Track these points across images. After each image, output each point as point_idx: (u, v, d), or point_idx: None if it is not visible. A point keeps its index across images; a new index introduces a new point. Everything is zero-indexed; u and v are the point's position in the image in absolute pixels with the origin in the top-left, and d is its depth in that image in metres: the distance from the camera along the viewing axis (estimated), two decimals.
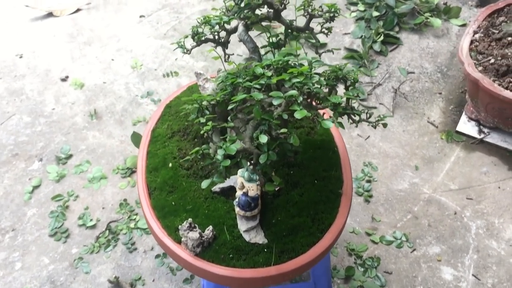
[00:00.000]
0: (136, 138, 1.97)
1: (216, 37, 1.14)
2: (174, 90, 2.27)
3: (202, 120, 0.96)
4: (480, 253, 1.72)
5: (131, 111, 2.19)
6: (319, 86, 0.91)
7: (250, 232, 1.17)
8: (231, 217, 1.20)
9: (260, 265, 1.13)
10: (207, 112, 0.99)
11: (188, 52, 1.16)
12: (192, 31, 1.14)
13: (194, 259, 1.14)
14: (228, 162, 0.89)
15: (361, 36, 2.58)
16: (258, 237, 1.17)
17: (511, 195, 1.91)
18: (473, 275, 1.67)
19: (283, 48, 1.12)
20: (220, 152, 0.89)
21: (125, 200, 1.84)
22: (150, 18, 2.69)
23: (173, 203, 1.24)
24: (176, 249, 1.15)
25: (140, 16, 2.69)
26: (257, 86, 0.94)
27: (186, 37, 1.16)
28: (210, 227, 1.17)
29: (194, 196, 1.25)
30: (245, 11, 1.04)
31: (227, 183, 1.26)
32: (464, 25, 2.64)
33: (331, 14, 1.07)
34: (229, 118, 1.01)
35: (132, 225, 1.77)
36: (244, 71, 1.00)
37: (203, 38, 1.13)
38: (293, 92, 0.88)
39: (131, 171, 1.94)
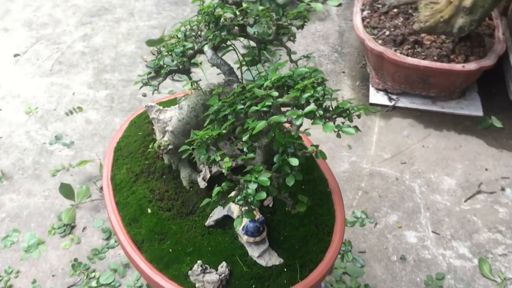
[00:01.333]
0: (66, 190, 1.78)
1: (181, 66, 1.06)
2: (84, 127, 2.08)
3: (217, 158, 0.88)
4: (430, 210, 1.86)
5: (44, 162, 1.96)
6: (329, 96, 0.90)
7: (263, 256, 1.12)
8: (238, 247, 1.14)
9: (287, 286, 1.09)
10: (213, 148, 0.92)
11: (157, 89, 1.06)
12: (153, 65, 1.04)
13: None
14: (264, 195, 0.83)
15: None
16: (273, 259, 1.12)
17: (434, 150, 2.09)
18: (432, 231, 1.80)
19: (259, 65, 1.08)
20: (252, 186, 0.83)
21: (75, 259, 1.65)
22: (26, 56, 2.42)
23: (170, 250, 1.14)
24: None
25: (15, 55, 2.41)
26: (265, 109, 0.89)
27: (150, 73, 1.06)
28: (224, 263, 1.10)
29: (189, 237, 1.16)
30: (220, 34, 0.98)
31: (220, 213, 1.19)
32: (340, 5, 2.80)
33: (302, 22, 1.05)
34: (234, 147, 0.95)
35: (94, 283, 1.59)
36: (239, 95, 0.94)
37: (168, 70, 1.04)
38: (312, 107, 0.85)
39: (71, 227, 1.74)
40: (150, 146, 1.21)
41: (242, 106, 0.92)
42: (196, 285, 1.08)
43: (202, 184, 1.22)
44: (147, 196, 1.24)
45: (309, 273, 1.12)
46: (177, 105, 1.30)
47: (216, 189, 0.89)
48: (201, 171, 1.26)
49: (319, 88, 0.90)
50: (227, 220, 1.18)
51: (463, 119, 2.23)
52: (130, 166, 1.30)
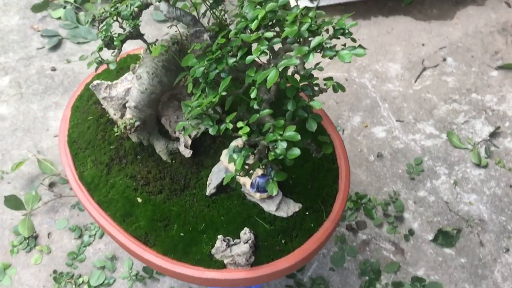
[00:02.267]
0: (12, 201, 1.55)
1: (133, 31, 0.88)
2: None
3: (229, 126, 0.75)
4: (387, 100, 1.86)
5: None
6: (324, 21, 0.78)
7: (281, 207, 1.04)
8: (250, 207, 1.05)
9: (315, 228, 1.03)
10: (217, 115, 0.78)
11: (116, 65, 0.88)
12: (103, 37, 0.85)
13: (254, 271, 0.98)
14: (297, 151, 0.73)
15: None
16: (291, 206, 1.05)
17: (369, 40, 2.05)
18: (396, 120, 1.80)
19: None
20: (282, 145, 0.72)
21: (54, 271, 1.48)
22: None
23: (181, 234, 1.02)
24: (234, 275, 0.98)
25: None
26: (263, 55, 0.76)
27: (101, 48, 0.86)
28: (246, 229, 1.01)
29: (195, 213, 1.05)
30: None
31: (218, 178, 1.07)
32: None
33: None
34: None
35: None
36: (223, 47, 0.80)
37: (123, 38, 0.86)
38: (320, 38, 0.74)
39: (34, 238, 1.55)
40: (115, 129, 1.04)
41: (234, 59, 0.78)
42: (225, 262, 0.99)
43: (187, 153, 1.09)
44: (130, 185, 1.09)
45: (331, 207, 1.06)
46: (131, 75, 1.12)
47: (239, 160, 0.77)
48: (179, 139, 1.13)
49: (310, 14, 0.78)
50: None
51: (386, 1, 2.19)
52: (95, 158, 1.13)
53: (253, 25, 0.76)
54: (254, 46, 0.78)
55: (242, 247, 0.97)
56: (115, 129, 1.06)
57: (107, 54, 0.92)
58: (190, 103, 0.79)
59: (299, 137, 0.73)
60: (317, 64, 0.79)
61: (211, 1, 0.86)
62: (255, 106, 0.77)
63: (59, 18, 2.13)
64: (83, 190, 1.10)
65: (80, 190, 1.10)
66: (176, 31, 1.01)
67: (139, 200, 1.07)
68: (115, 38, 0.86)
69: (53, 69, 1.95)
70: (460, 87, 1.89)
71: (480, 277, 1.46)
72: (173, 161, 1.12)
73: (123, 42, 0.86)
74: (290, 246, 1.01)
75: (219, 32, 0.89)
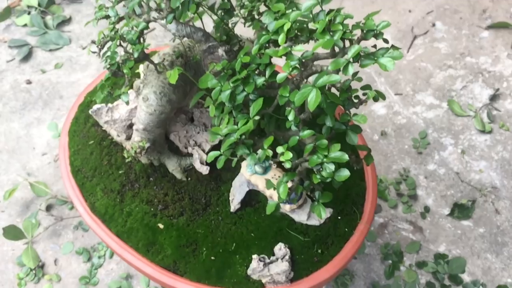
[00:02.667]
0: (11, 232, 1.47)
1: (141, 54, 0.79)
2: None
3: (268, 153, 0.69)
4: (382, 74, 1.81)
5: None
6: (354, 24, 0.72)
7: (312, 215, 0.99)
8: (280, 219, 1.00)
9: (350, 233, 0.99)
10: (251, 141, 0.72)
11: (128, 98, 0.79)
12: (108, 65, 0.76)
13: (298, 284, 0.94)
14: (347, 172, 0.68)
15: None
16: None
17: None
18: (395, 94, 1.76)
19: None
20: (330, 167, 0.67)
21: None
22: None
23: (212, 257, 0.97)
24: None
25: None
26: (295, 71, 0.69)
27: (108, 79, 0.78)
28: (281, 245, 0.96)
29: (223, 232, 0.99)
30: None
31: (242, 192, 1.01)
32: None
33: None
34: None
35: None
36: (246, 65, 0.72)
37: (132, 66, 0.77)
38: (358, 47, 0.67)
39: (40, 267, 1.47)
40: (125, 154, 0.97)
41: (264, 78, 0.71)
42: (264, 281, 0.94)
43: (205, 170, 1.03)
44: (147, 211, 1.02)
45: (362, 207, 1.02)
46: (133, 94, 1.04)
47: (283, 189, 0.71)
48: (191, 154, 1.06)
49: (339, 19, 0.72)
50: (251, 195, 1.02)
51: None
52: (104, 186, 1.05)
53: (281, 40, 0.69)
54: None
55: (280, 265, 0.93)
56: (125, 154, 0.98)
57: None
58: (219, 131, 0.72)
59: (346, 157, 0.67)
60: (355, 74, 0.73)
61: (222, 12, 0.78)
62: (293, 128, 0.71)
63: (25, 25, 1.99)
64: (98, 223, 1.02)
65: (95, 223, 1.03)
66: (178, 43, 0.93)
67: (161, 226, 1.00)
68: (123, 66, 0.77)
69: (28, 82, 1.83)
70: (453, 52, 1.85)
71: (500, 245, 1.46)
72: (189, 179, 1.05)
73: (132, 69, 0.78)
74: (328, 254, 0.97)
75: (230, 44, 0.82)
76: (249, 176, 1.00)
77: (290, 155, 0.68)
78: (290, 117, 0.69)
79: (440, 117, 1.69)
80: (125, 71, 0.76)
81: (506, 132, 1.66)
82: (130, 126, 1.05)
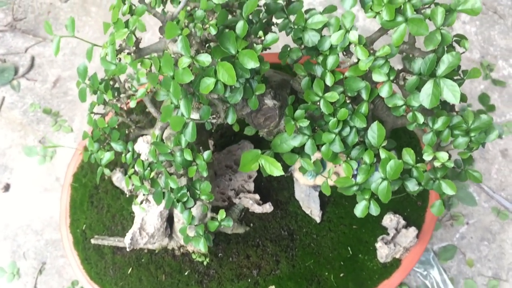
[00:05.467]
0: None
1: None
2: None
3: None
4: None
5: None
6: None
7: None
8: None
9: None
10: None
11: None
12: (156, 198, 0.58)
13: (424, 233, 0.92)
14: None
15: None
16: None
17: None
18: None
19: None
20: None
21: None
22: None
23: (341, 275, 0.90)
24: None
25: None
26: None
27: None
28: (386, 217, 0.90)
29: (330, 247, 0.91)
30: None
31: (315, 198, 0.92)
32: None
33: None
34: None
35: None
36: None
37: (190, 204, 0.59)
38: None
39: None
40: (199, 259, 0.82)
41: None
42: (398, 257, 0.90)
43: (268, 208, 0.91)
44: (247, 286, 0.89)
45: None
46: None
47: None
48: (233, 203, 0.92)
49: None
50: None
51: None
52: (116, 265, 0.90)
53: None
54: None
55: (407, 233, 0.89)
56: (199, 259, 0.82)
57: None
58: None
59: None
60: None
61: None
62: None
63: None
64: None
65: None
66: None
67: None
68: (178, 204, 0.60)
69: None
70: None
71: None
72: (252, 225, 0.93)
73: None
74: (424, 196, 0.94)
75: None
76: (313, 182, 0.90)
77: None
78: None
79: None
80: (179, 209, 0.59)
81: None
82: (166, 227, 0.87)
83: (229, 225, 0.67)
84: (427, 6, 0.62)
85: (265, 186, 0.95)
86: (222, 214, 0.68)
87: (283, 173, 0.65)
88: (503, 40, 1.34)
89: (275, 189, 0.95)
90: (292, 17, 0.72)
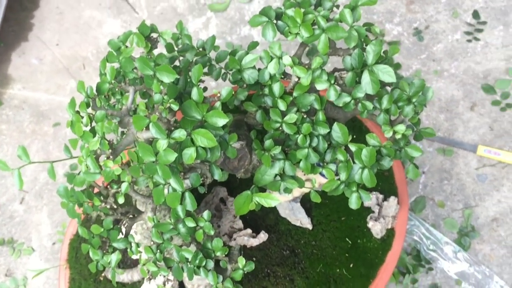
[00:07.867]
0: None
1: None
2: None
3: None
4: None
5: None
6: None
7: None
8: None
9: None
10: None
11: None
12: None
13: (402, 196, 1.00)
14: None
15: None
16: None
17: None
18: None
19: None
20: None
21: None
22: None
23: (349, 276, 0.95)
24: None
25: None
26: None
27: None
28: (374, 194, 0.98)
29: (331, 246, 0.97)
30: None
31: (300, 209, 0.97)
32: None
33: None
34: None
35: None
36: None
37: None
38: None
39: None
40: None
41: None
42: (390, 227, 0.98)
43: (263, 237, 0.95)
44: None
45: None
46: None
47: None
48: (230, 240, 0.95)
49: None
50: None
51: None
52: None
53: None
54: None
55: (389, 205, 0.97)
56: None
57: None
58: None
59: None
60: None
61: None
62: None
63: None
64: None
65: None
66: None
67: None
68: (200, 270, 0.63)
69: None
70: None
71: None
72: (255, 258, 0.96)
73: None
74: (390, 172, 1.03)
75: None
76: (292, 196, 0.96)
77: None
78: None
79: None
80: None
81: None
82: None
83: (252, 268, 0.71)
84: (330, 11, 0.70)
85: (251, 218, 0.98)
86: (241, 261, 0.71)
87: (279, 201, 0.70)
88: (381, 6, 1.48)
89: (260, 217, 0.99)
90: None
